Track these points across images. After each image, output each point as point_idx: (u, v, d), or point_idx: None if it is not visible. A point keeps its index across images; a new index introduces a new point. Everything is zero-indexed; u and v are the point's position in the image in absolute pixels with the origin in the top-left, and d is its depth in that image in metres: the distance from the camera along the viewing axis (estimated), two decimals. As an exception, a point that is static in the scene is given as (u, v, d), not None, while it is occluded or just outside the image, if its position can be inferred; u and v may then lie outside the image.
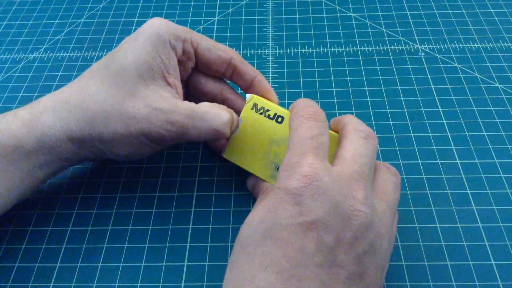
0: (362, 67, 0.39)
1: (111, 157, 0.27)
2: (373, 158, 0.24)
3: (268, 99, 0.29)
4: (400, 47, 0.41)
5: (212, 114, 0.25)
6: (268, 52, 0.42)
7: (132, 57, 0.26)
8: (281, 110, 0.27)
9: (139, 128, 0.25)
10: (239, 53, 0.41)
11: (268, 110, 0.27)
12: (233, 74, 0.29)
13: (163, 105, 0.25)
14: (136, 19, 0.46)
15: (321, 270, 0.19)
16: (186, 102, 0.26)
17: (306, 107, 0.25)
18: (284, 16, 0.45)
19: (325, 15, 0.45)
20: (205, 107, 0.26)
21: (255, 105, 0.28)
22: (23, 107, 0.27)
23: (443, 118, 0.35)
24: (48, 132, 0.25)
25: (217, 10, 0.46)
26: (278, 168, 0.27)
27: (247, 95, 0.28)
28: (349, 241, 0.20)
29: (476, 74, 0.38)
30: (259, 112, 0.28)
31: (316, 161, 0.21)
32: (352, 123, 0.25)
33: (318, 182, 0.21)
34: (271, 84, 0.38)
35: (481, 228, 0.29)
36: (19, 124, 0.26)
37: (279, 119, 0.27)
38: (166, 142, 0.26)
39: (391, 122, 0.35)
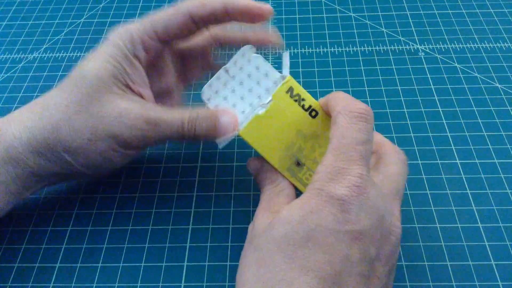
0: (362, 67, 0.39)
1: (81, 171, 0.26)
2: (405, 180, 0.25)
3: (252, 13, 0.26)
4: (400, 47, 0.41)
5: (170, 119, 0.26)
6: (268, 52, 0.42)
7: (93, 65, 0.25)
8: (316, 103, 0.25)
9: (107, 131, 0.25)
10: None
11: (303, 100, 0.25)
12: (204, 23, 0.27)
13: (133, 106, 0.25)
14: (136, 19, 0.46)
15: (363, 279, 0.19)
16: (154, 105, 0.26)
17: (355, 102, 0.23)
18: (284, 16, 0.45)
19: (325, 15, 0.45)
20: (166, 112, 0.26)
21: (291, 89, 0.25)
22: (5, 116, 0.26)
23: (443, 118, 0.35)
24: (15, 143, 0.25)
25: (217, 10, 0.46)
26: (298, 163, 0.26)
27: (284, 75, 0.26)
28: (387, 254, 0.21)
29: (476, 74, 0.38)
30: (294, 98, 0.25)
31: (365, 172, 0.21)
32: (392, 146, 0.26)
33: (368, 194, 0.20)
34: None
35: (481, 228, 0.29)
36: None
37: (313, 113, 0.25)
38: (136, 144, 0.26)
39: (391, 122, 0.35)
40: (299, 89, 0.25)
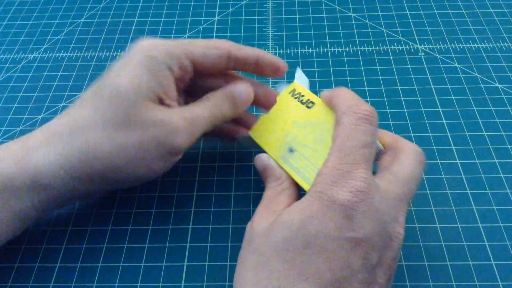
0: (362, 67, 0.39)
1: (120, 186, 0.26)
2: (418, 184, 0.23)
3: (277, 68, 0.28)
4: (400, 47, 0.41)
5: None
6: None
7: (127, 80, 0.24)
8: (315, 97, 0.27)
9: (154, 141, 0.24)
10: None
11: (302, 96, 0.27)
12: (236, 64, 0.28)
13: (169, 113, 0.25)
14: (136, 19, 0.46)
15: (364, 286, 0.19)
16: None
17: (361, 103, 0.22)
18: (284, 16, 0.45)
19: (325, 15, 0.45)
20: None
21: (293, 90, 0.28)
22: (16, 140, 0.25)
23: (443, 118, 0.35)
24: (43, 169, 0.23)
25: (217, 10, 0.46)
26: (291, 150, 0.26)
27: (298, 81, 0.29)
28: (388, 261, 0.20)
29: (476, 74, 0.38)
30: (295, 96, 0.28)
31: (369, 176, 0.20)
32: (412, 145, 0.24)
33: (372, 199, 0.20)
34: (271, 85, 0.38)
35: (481, 228, 0.29)
36: (10, 161, 0.23)
37: (310, 104, 0.27)
38: (183, 148, 0.25)
39: (391, 122, 0.35)
40: (300, 88, 0.28)
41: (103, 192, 0.28)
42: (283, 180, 0.25)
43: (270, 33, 0.44)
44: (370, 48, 0.41)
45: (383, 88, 0.38)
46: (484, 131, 0.34)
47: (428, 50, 0.41)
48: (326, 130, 0.25)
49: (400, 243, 0.21)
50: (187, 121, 0.25)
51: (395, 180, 0.22)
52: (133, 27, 0.45)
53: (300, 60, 0.41)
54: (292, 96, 0.28)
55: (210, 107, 0.26)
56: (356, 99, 0.23)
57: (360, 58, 0.40)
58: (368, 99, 0.37)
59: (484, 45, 0.41)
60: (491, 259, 0.27)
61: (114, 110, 0.24)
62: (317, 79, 0.39)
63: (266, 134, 0.28)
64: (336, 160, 0.21)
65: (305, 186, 0.24)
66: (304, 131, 0.26)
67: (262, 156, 0.27)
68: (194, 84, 0.29)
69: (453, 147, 0.33)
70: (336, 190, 0.20)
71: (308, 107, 0.27)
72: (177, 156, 0.26)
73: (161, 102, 0.25)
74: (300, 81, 0.29)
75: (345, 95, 0.24)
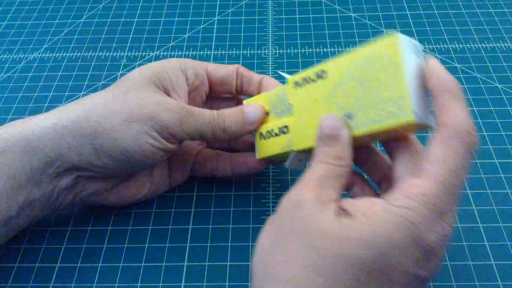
0: (362, 67, 0.39)
1: (104, 164, 0.25)
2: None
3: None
4: (400, 47, 0.41)
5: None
6: (268, 52, 0.42)
7: (138, 70, 0.27)
8: (319, 67, 0.24)
9: (145, 113, 0.24)
10: (239, 54, 0.41)
11: (308, 77, 0.25)
12: (243, 82, 0.30)
13: (169, 99, 0.26)
14: (136, 19, 0.46)
15: None
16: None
17: (473, 128, 0.19)
18: (284, 16, 0.45)
19: (325, 15, 0.45)
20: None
21: (296, 83, 0.25)
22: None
23: (443, 118, 0.35)
24: (36, 130, 0.24)
25: (217, 10, 0.46)
26: (350, 117, 0.22)
27: (286, 77, 0.27)
28: None
29: (476, 74, 0.38)
30: (302, 84, 0.25)
31: (454, 219, 0.19)
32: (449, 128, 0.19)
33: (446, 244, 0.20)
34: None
35: (481, 228, 0.29)
36: (9, 128, 0.25)
37: (322, 75, 0.24)
38: (172, 131, 0.25)
39: (391, 122, 0.35)
40: (298, 75, 0.25)
41: (92, 178, 0.26)
42: (345, 163, 0.21)
43: (270, 33, 0.44)
44: (370, 48, 0.41)
45: (383, 88, 0.38)
46: (484, 131, 0.34)
47: (428, 50, 0.41)
48: (361, 70, 0.22)
49: None
50: (184, 108, 0.26)
51: (426, 203, 0.19)
52: (133, 27, 0.45)
53: (300, 60, 0.41)
54: (300, 86, 0.25)
55: (214, 113, 0.27)
56: (469, 120, 0.19)
57: (360, 58, 0.40)
58: (368, 99, 0.37)
59: (484, 45, 0.41)
60: (491, 259, 0.27)
61: (117, 86, 0.26)
62: (317, 79, 0.39)
63: (309, 133, 0.24)
64: (434, 192, 0.18)
65: (390, 123, 0.20)
66: (341, 92, 0.23)
67: (334, 117, 0.22)
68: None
69: (453, 147, 0.33)
70: (428, 228, 0.18)
71: (323, 78, 0.24)
72: (168, 143, 0.25)
73: (167, 93, 0.27)
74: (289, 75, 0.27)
75: (459, 112, 0.19)
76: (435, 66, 0.20)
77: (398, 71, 0.20)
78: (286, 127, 0.26)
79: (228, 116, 0.27)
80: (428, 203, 0.18)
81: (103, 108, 0.25)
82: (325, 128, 0.22)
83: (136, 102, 0.25)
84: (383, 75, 0.21)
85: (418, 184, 0.19)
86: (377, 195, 0.24)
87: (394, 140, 0.23)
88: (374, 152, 0.24)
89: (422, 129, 0.22)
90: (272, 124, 0.27)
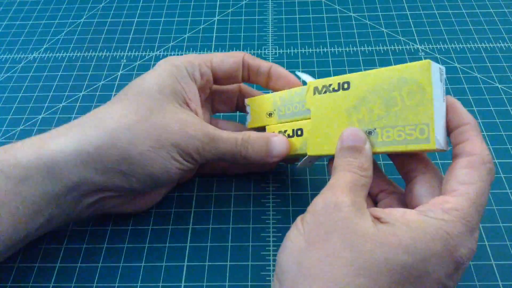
0: (362, 67, 0.39)
1: (131, 186, 0.25)
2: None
3: (289, 82, 0.28)
4: (400, 47, 0.41)
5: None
6: (268, 52, 0.42)
7: (152, 81, 0.26)
8: (342, 77, 0.24)
9: (170, 139, 0.24)
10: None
11: (330, 85, 0.25)
12: (250, 72, 0.29)
13: (192, 119, 0.26)
14: (136, 19, 0.46)
15: None
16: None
17: (486, 149, 0.21)
18: (284, 16, 0.45)
19: (325, 15, 0.45)
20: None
21: (316, 88, 0.25)
22: (38, 135, 0.25)
23: (443, 118, 0.35)
24: (59, 156, 0.23)
25: (217, 10, 0.46)
26: (370, 133, 0.23)
27: (305, 80, 0.27)
28: None
29: (476, 74, 0.38)
30: (323, 91, 0.25)
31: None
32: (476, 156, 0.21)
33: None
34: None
35: (481, 228, 0.29)
36: (28, 150, 0.24)
37: (345, 86, 0.24)
38: (195, 156, 0.26)
39: (391, 122, 0.35)
40: (320, 82, 0.25)
41: (116, 196, 0.26)
42: (368, 174, 0.22)
43: (270, 33, 0.44)
44: (370, 48, 0.41)
45: (383, 88, 0.38)
46: (484, 131, 0.34)
47: (428, 50, 0.41)
48: (387, 90, 0.22)
49: None
50: (206, 135, 0.26)
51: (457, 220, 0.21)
52: (133, 27, 0.45)
53: (300, 60, 0.41)
54: (320, 93, 0.25)
55: (238, 138, 0.26)
56: (484, 144, 0.22)
57: (360, 58, 0.40)
58: (368, 99, 0.37)
59: (484, 45, 0.41)
60: (491, 259, 0.27)
61: (137, 104, 0.25)
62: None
63: (326, 141, 0.25)
64: (467, 210, 0.20)
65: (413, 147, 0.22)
66: (364, 108, 0.23)
67: (359, 131, 0.23)
68: (213, 98, 0.31)
69: (453, 147, 0.33)
70: (461, 242, 0.20)
71: (346, 89, 0.24)
72: (188, 165, 0.26)
73: (186, 105, 0.27)
74: (309, 79, 0.27)
75: (481, 144, 0.21)
76: (455, 100, 0.22)
77: (426, 98, 0.21)
78: (300, 130, 0.26)
79: (252, 145, 0.27)
80: (463, 218, 0.20)
81: (129, 133, 0.24)
82: (349, 140, 0.23)
83: (161, 125, 0.25)
84: (410, 99, 0.22)
85: (452, 201, 0.20)
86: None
87: (409, 159, 0.24)
88: (375, 168, 0.25)
89: (436, 151, 0.23)
90: (281, 126, 0.28)
